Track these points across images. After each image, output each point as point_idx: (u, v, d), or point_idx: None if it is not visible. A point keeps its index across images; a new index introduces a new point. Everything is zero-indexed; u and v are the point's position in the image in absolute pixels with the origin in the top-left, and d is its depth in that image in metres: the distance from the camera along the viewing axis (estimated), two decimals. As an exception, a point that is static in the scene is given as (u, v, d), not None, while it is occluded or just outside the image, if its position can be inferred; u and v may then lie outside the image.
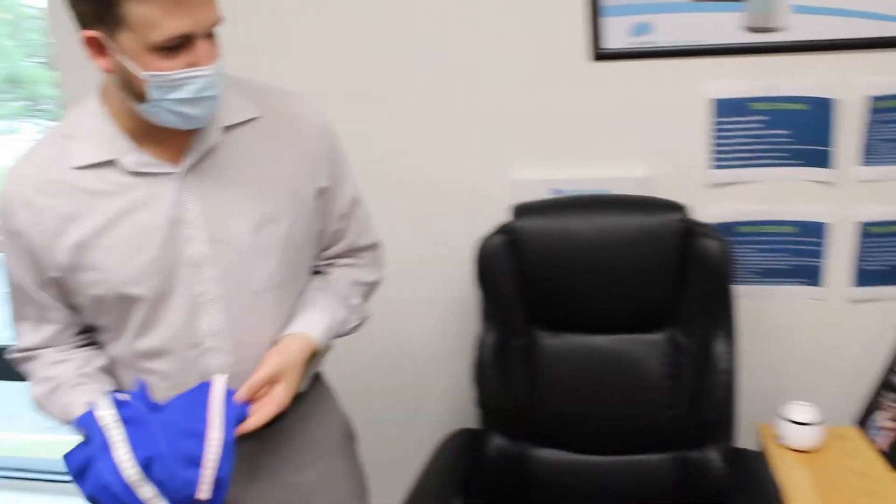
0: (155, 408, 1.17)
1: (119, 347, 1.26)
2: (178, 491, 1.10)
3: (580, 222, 1.66)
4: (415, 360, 2.02)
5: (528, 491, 1.76)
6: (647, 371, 1.68)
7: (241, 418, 1.16)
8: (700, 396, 1.65)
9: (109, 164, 1.17)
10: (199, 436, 1.11)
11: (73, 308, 1.26)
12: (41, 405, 1.28)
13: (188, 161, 1.19)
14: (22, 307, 1.28)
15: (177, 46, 1.06)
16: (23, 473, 2.91)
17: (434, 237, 1.91)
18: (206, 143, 1.20)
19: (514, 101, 1.80)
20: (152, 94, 1.08)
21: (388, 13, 1.81)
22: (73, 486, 1.15)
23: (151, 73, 1.07)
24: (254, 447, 1.30)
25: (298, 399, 1.31)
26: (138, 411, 1.14)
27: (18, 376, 1.33)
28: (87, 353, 1.30)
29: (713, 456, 1.67)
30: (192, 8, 1.05)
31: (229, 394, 1.17)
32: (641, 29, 1.72)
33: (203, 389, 1.17)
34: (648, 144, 1.79)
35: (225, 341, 1.24)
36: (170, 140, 1.18)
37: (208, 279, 1.21)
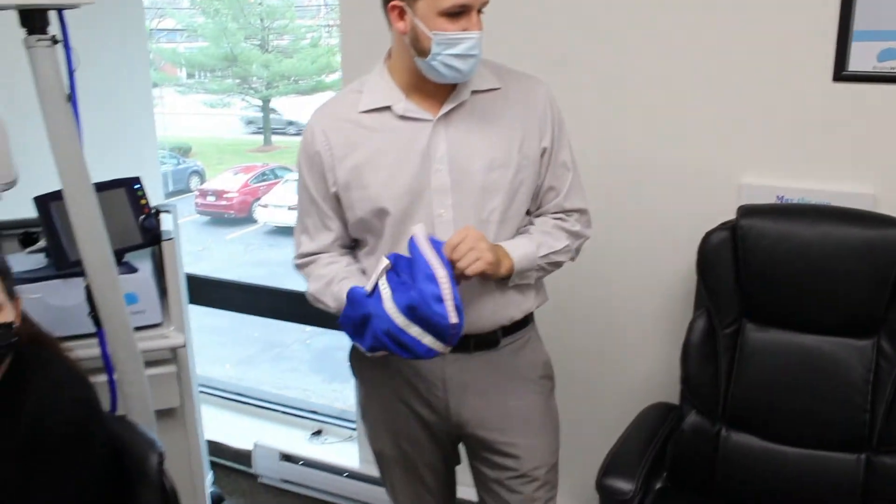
0: (397, 271, 1.45)
1: (374, 259, 1.58)
2: (437, 324, 1.37)
3: (804, 228, 1.79)
4: (626, 332, 2.20)
5: (714, 469, 1.89)
6: (849, 373, 1.78)
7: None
8: (900, 405, 1.74)
9: (386, 109, 1.53)
10: (432, 278, 1.37)
11: (344, 222, 1.60)
12: (316, 298, 1.61)
13: (442, 111, 1.51)
14: (306, 219, 1.63)
15: (457, 13, 1.40)
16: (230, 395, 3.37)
17: (661, 226, 2.08)
18: (458, 99, 1.52)
19: (754, 108, 1.94)
20: (434, 49, 1.42)
21: (646, 15, 2.00)
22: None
23: (436, 31, 1.40)
24: (472, 366, 1.61)
25: (511, 335, 1.62)
26: (390, 277, 1.44)
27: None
28: (350, 258, 1.65)
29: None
30: None
31: (432, 240, 1.43)
32: (887, 55, 1.82)
33: (414, 245, 1.42)
34: (877, 164, 1.87)
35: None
36: (430, 95, 1.52)
37: (447, 204, 1.52)
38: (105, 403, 1.77)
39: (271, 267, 8.99)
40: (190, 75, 13.74)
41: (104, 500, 1.57)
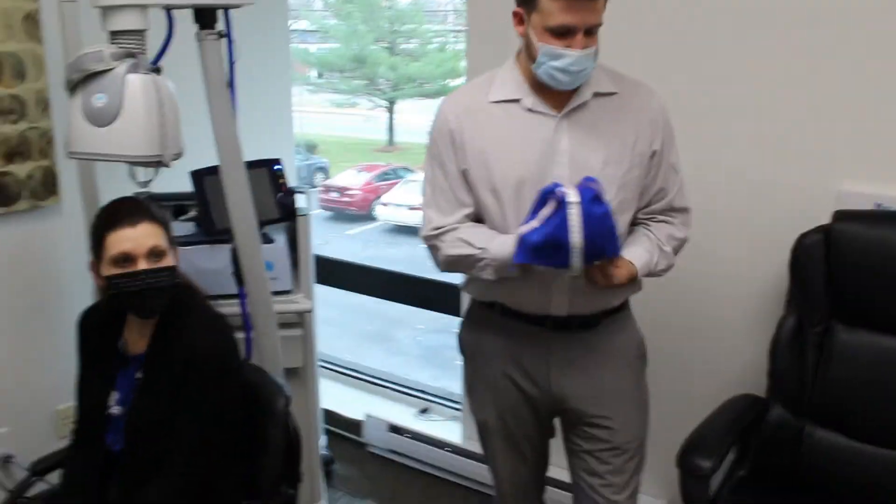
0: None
1: None
2: (610, 252, 1.59)
3: (899, 234, 1.86)
4: (719, 325, 2.29)
5: (797, 463, 1.97)
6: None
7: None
8: None
9: (514, 101, 1.69)
10: (599, 217, 1.52)
11: (471, 200, 1.73)
12: (454, 261, 1.73)
13: (566, 109, 1.66)
14: (438, 196, 1.75)
15: (562, 32, 1.55)
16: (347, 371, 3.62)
17: (759, 227, 2.17)
18: (580, 100, 1.67)
19: (854, 115, 2.00)
20: (540, 58, 1.58)
21: (747, 24, 2.10)
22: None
23: (542, 44, 1.57)
24: (574, 345, 1.76)
25: (609, 317, 1.78)
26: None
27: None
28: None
29: None
30: (579, 12, 1.53)
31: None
32: None
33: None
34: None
35: None
36: (554, 94, 1.66)
37: None
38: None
39: (389, 264, 9.28)
40: (320, 75, 14.32)
41: (239, 431, 1.82)
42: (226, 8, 1.91)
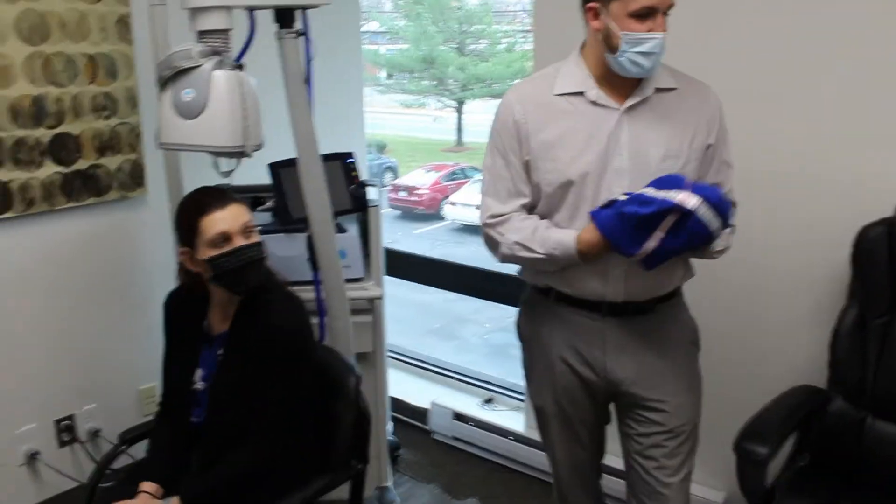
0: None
1: None
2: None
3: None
4: (780, 315, 2.30)
5: (859, 457, 1.97)
6: None
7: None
8: None
9: (579, 94, 1.73)
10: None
11: (531, 190, 1.77)
12: (522, 245, 1.74)
13: (628, 103, 1.71)
14: (498, 184, 1.79)
15: (644, 15, 1.60)
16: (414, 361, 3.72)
17: (818, 218, 2.18)
18: (643, 94, 1.71)
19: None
20: (622, 46, 1.62)
21: (811, 26, 2.12)
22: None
23: (625, 31, 1.61)
24: (629, 329, 1.80)
25: (663, 303, 1.81)
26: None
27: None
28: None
29: None
30: None
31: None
32: None
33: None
34: None
35: None
36: (617, 87, 1.71)
37: (623, 185, 1.69)
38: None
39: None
40: (389, 75, 14.53)
41: (313, 407, 1.93)
42: (304, 8, 2.02)
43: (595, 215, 1.66)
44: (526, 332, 1.98)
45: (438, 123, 14.14)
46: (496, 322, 7.34)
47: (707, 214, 1.56)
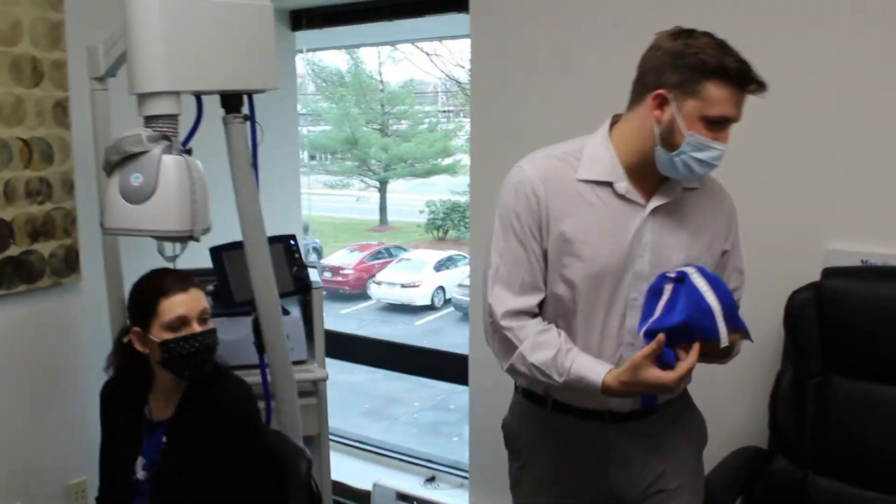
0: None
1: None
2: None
3: (886, 288, 1.98)
4: (718, 379, 2.33)
5: (803, 515, 2.04)
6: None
7: None
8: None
9: (605, 184, 1.57)
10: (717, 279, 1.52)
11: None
12: (532, 370, 1.56)
13: (656, 202, 1.57)
14: (511, 274, 1.58)
15: (716, 122, 1.47)
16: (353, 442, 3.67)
17: (752, 284, 2.25)
18: (672, 194, 1.59)
19: (840, 175, 2.12)
20: (683, 147, 1.48)
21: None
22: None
23: (691, 132, 1.47)
24: (634, 435, 1.67)
25: (672, 402, 1.71)
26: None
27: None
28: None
29: None
30: (741, 105, 1.48)
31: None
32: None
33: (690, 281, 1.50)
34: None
35: (637, 340, 1.55)
36: (643, 180, 1.58)
37: (641, 290, 1.56)
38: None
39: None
40: (312, 157, 14.62)
41: (263, 495, 1.89)
42: (250, 93, 2.05)
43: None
44: (516, 438, 1.80)
45: (362, 203, 14.25)
46: (425, 401, 7.33)
47: (703, 284, 1.47)
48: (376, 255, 12.04)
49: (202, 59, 1.87)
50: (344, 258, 12.09)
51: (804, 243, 2.19)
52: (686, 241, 1.60)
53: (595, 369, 1.53)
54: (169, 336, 1.81)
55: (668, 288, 1.50)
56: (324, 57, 12.98)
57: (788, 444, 2.08)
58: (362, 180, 14.18)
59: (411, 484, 3.23)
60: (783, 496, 2.06)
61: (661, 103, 1.49)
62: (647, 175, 1.57)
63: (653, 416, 1.65)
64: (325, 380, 2.48)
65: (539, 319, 1.61)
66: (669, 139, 1.49)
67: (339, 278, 11.75)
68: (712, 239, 1.64)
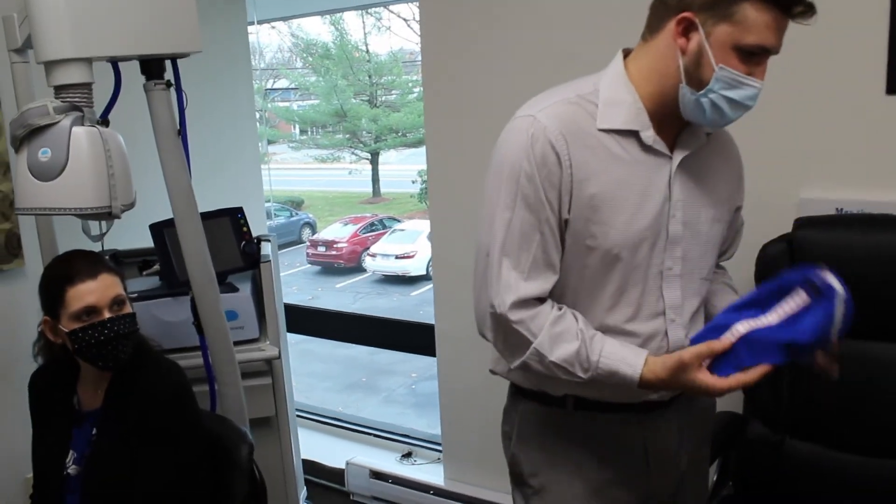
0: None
1: (590, 316, 1.33)
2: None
3: (861, 236, 1.85)
4: None
5: (778, 477, 1.92)
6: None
7: None
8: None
9: (630, 134, 1.29)
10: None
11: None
12: (551, 368, 1.29)
13: (683, 151, 1.32)
14: (521, 252, 1.28)
15: (752, 54, 1.20)
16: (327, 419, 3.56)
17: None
18: (698, 142, 1.34)
19: (811, 124, 2.01)
20: (712, 83, 1.21)
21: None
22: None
23: (722, 66, 1.20)
24: (677, 415, 1.45)
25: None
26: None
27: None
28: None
29: None
30: (783, 31, 1.22)
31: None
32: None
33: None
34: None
35: (679, 316, 1.36)
36: (666, 129, 1.31)
37: (676, 256, 1.33)
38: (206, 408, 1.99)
39: (379, 314, 9.29)
40: (303, 132, 14.46)
41: (202, 483, 1.77)
42: (173, 58, 1.91)
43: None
44: (530, 466, 1.46)
45: (354, 176, 14.14)
46: (422, 371, 7.25)
47: (839, 317, 1.25)
48: (370, 227, 11.97)
49: (114, 23, 1.72)
50: (337, 232, 12.04)
51: (777, 192, 2.06)
52: (713, 196, 1.37)
53: (629, 360, 1.27)
54: (77, 325, 1.68)
55: (803, 295, 1.26)
56: (309, 30, 12.81)
57: (763, 408, 1.96)
58: (353, 153, 14.06)
59: (387, 460, 3.13)
60: (760, 462, 1.95)
61: (687, 29, 1.22)
62: (667, 120, 1.30)
63: (682, 395, 1.42)
64: (277, 358, 2.36)
65: (550, 303, 1.32)
66: (697, 74, 1.23)
67: (334, 252, 11.70)
68: (730, 193, 1.42)
